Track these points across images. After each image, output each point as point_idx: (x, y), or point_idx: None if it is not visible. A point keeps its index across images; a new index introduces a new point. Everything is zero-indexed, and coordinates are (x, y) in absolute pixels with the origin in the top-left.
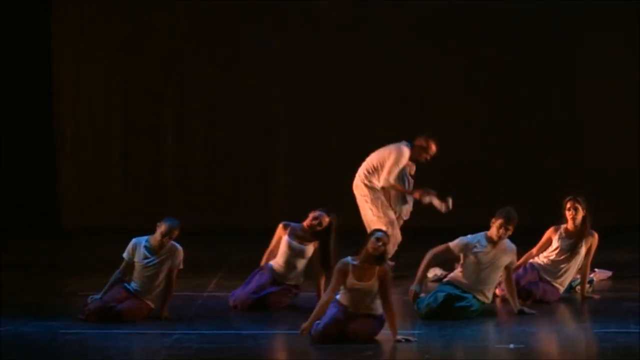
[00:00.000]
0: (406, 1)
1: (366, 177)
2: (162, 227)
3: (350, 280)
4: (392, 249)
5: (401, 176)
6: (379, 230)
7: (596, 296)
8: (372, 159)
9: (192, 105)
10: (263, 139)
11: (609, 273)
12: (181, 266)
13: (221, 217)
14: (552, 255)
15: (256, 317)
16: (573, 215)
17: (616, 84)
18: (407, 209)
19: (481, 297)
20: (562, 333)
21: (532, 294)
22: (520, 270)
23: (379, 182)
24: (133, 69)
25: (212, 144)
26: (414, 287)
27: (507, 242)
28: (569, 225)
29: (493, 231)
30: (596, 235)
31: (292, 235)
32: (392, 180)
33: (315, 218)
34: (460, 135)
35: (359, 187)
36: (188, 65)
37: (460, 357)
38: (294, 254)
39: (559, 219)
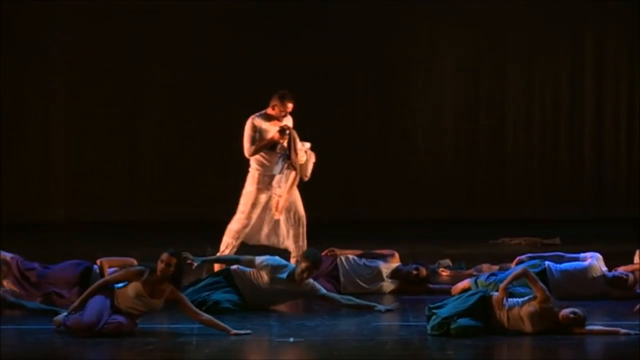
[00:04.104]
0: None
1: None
2: None
3: (139, 289)
4: (232, 243)
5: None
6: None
7: None
8: None
9: None
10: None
11: None
12: None
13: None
14: None
15: None
16: None
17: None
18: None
19: None
20: (341, 327)
21: None
22: None
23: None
24: None
25: None
26: None
27: None
28: None
29: None
30: None
31: None
32: (249, 151)
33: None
34: None
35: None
36: None
37: (242, 351)
38: None
39: None
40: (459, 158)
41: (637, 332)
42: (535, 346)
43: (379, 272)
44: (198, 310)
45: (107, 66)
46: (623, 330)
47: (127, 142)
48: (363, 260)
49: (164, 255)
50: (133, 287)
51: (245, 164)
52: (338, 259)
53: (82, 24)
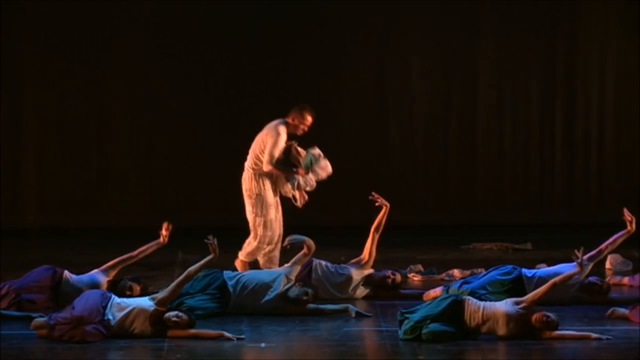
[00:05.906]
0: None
1: (254, 169)
2: None
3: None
4: (264, 248)
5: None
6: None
7: None
8: (254, 148)
9: None
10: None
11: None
12: None
13: None
14: None
15: None
16: None
17: None
18: (304, 181)
19: None
20: (313, 332)
21: None
22: None
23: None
24: None
25: None
26: None
27: None
28: None
29: None
30: None
31: None
32: (273, 164)
33: None
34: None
35: (245, 180)
36: None
37: (214, 356)
38: None
39: None
40: (430, 163)
41: (609, 337)
42: (507, 351)
43: (350, 279)
44: (198, 331)
45: (78, 70)
46: (594, 335)
47: (98, 147)
48: (335, 267)
49: (182, 318)
50: (140, 311)
51: (228, 168)
52: (313, 265)
53: (53, 28)
